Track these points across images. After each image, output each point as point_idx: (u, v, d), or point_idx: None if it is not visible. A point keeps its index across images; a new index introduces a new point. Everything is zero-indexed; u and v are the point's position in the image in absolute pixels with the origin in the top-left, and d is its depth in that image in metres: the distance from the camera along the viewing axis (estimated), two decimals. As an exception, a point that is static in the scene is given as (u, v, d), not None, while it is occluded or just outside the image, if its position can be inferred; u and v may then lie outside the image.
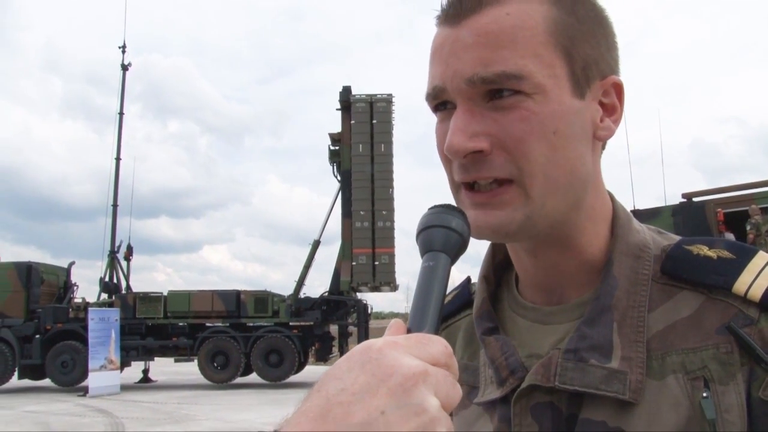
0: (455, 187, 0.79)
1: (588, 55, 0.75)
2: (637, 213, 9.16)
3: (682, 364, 0.71)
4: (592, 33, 0.76)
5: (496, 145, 0.73)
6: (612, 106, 0.79)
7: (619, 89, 0.79)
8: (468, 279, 0.99)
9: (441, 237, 0.66)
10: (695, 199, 9.65)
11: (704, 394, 0.69)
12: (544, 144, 0.72)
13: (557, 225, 0.77)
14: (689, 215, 9.52)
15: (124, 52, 25.72)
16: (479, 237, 0.77)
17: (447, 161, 0.78)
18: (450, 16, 0.76)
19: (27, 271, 20.72)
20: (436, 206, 0.70)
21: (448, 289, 0.96)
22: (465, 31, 0.74)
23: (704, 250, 0.77)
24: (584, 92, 0.75)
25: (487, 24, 0.72)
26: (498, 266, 0.91)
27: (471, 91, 0.73)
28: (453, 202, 0.78)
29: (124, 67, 25.68)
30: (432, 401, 0.50)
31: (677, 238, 0.82)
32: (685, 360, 0.71)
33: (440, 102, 0.77)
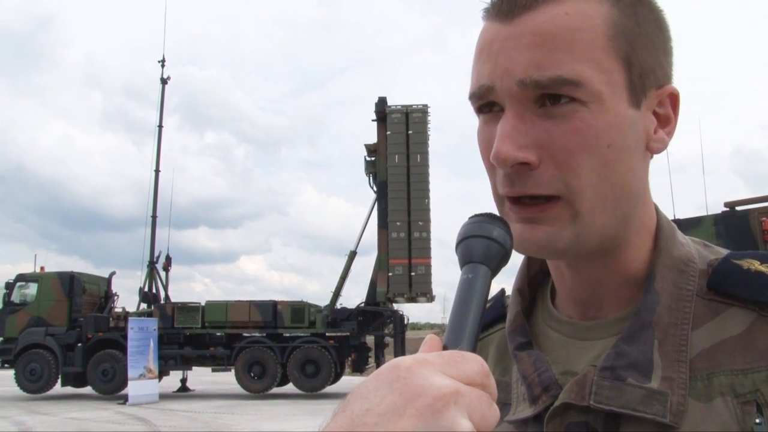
0: (499, 199, 0.74)
1: (646, 61, 0.70)
2: (677, 222, 8.98)
3: (732, 386, 0.67)
4: (651, 38, 0.71)
5: (545, 157, 0.68)
6: (666, 117, 0.74)
7: (675, 100, 0.74)
8: (502, 291, 0.95)
9: (481, 248, 0.63)
10: (738, 208, 9.42)
11: (757, 420, 0.64)
12: (597, 159, 0.68)
13: (606, 240, 0.73)
14: (732, 224, 9.29)
15: (163, 65, 26.17)
16: (525, 252, 0.74)
17: (492, 168, 0.74)
18: (503, 12, 0.70)
19: (69, 281, 21.17)
20: (476, 215, 0.66)
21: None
22: (519, 28, 0.69)
23: (756, 265, 0.72)
24: (640, 102, 0.70)
25: (543, 23, 0.68)
26: (533, 279, 0.88)
27: (522, 95, 0.68)
28: (494, 211, 0.74)
29: (164, 81, 26.05)
30: (464, 423, 0.47)
31: (725, 251, 0.77)
32: (735, 382, 0.67)
33: (485, 103, 0.73)
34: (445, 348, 0.56)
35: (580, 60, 0.67)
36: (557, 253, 0.72)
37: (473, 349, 0.56)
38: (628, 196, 0.72)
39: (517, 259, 0.88)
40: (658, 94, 0.73)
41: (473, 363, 0.52)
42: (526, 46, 0.68)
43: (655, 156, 0.76)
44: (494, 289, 0.97)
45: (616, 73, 0.68)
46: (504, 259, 0.64)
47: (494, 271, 0.63)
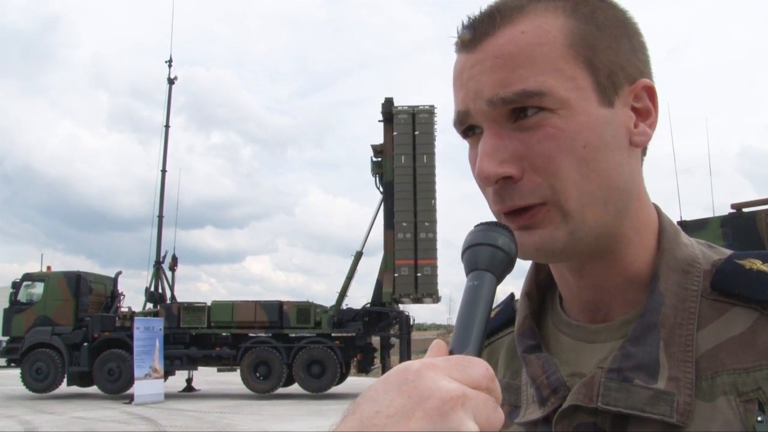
0: (496, 214, 0.77)
1: (612, 61, 0.73)
2: (684, 224, 8.95)
3: (734, 385, 0.68)
4: (615, 38, 0.74)
5: (527, 167, 0.71)
6: (645, 110, 0.76)
7: (651, 92, 0.76)
8: (512, 295, 0.96)
9: (487, 255, 0.64)
10: (745, 210, 9.38)
11: (759, 418, 0.65)
12: (574, 160, 0.70)
13: (603, 237, 0.74)
14: (739, 226, 9.26)
15: (170, 66, 26.18)
16: (525, 257, 0.76)
17: (483, 186, 0.77)
18: (466, 43, 0.75)
19: (76, 281, 21.25)
20: (481, 224, 0.68)
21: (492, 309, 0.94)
22: (482, 55, 0.73)
23: (758, 265, 0.73)
24: (612, 100, 0.73)
25: (502, 45, 0.71)
26: (541, 283, 0.89)
27: (494, 113, 0.72)
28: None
29: (171, 81, 26.07)
30: (470, 426, 0.49)
31: (728, 252, 0.78)
32: (737, 381, 0.68)
33: (467, 127, 0.76)
34: (451, 353, 0.57)
35: (541, 72, 0.70)
36: (555, 253, 0.74)
37: (479, 354, 0.57)
38: (617, 192, 0.73)
39: (526, 262, 0.89)
40: (632, 89, 0.75)
41: (479, 367, 0.53)
42: (490, 68, 0.72)
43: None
44: (505, 293, 0.98)
45: (581, 78, 0.71)
46: (509, 266, 0.66)
47: (499, 279, 0.64)
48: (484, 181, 0.72)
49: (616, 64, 0.73)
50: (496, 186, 0.72)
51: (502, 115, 0.72)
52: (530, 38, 0.71)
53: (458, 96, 0.76)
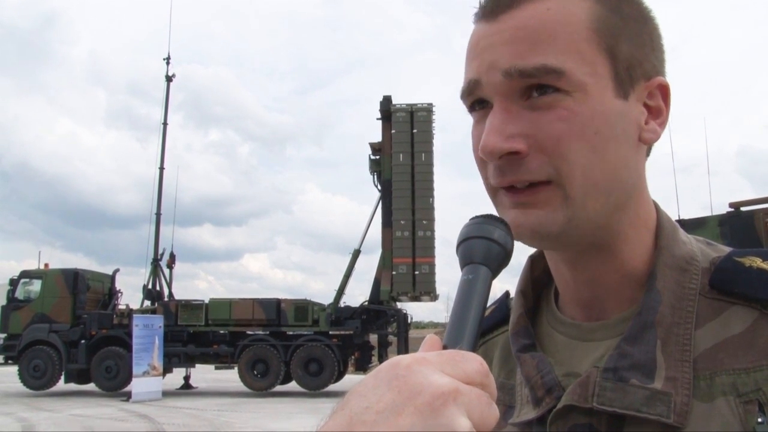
0: (492, 191, 0.75)
1: (632, 54, 0.72)
2: (682, 223, 8.95)
3: (734, 385, 0.66)
4: (637, 32, 0.73)
5: (533, 146, 0.69)
6: (657, 108, 0.75)
7: (665, 91, 0.75)
8: (507, 294, 0.95)
9: (482, 249, 0.63)
10: (743, 209, 9.38)
11: (759, 419, 0.64)
12: (584, 145, 0.69)
13: (600, 230, 0.73)
14: (737, 225, 9.26)
15: (168, 63, 26.16)
16: (519, 239, 0.74)
17: (482, 163, 0.75)
18: (487, 12, 0.73)
19: (74, 278, 21.22)
20: (477, 216, 0.67)
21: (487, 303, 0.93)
22: (502, 25, 0.71)
23: (758, 263, 0.72)
24: (627, 93, 0.72)
25: (526, 19, 0.70)
26: (536, 281, 0.88)
27: (507, 87, 0.70)
28: (492, 211, 0.75)
29: (169, 78, 26.07)
30: (462, 422, 0.47)
31: (728, 249, 0.77)
32: (737, 381, 0.66)
33: (476, 100, 0.74)
34: (444, 347, 0.56)
35: (562, 51, 0.69)
36: (551, 237, 0.72)
37: (473, 349, 0.56)
38: (621, 186, 0.72)
39: (521, 259, 0.87)
40: (647, 85, 0.74)
41: (473, 362, 0.52)
42: (509, 39, 0.70)
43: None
44: (500, 291, 0.96)
45: (600, 65, 0.70)
46: (505, 260, 0.64)
47: (495, 272, 0.63)
48: (488, 155, 0.70)
49: (636, 58, 0.72)
50: (499, 162, 0.71)
51: (515, 90, 0.70)
52: (555, 16, 0.70)
53: (471, 65, 0.74)
